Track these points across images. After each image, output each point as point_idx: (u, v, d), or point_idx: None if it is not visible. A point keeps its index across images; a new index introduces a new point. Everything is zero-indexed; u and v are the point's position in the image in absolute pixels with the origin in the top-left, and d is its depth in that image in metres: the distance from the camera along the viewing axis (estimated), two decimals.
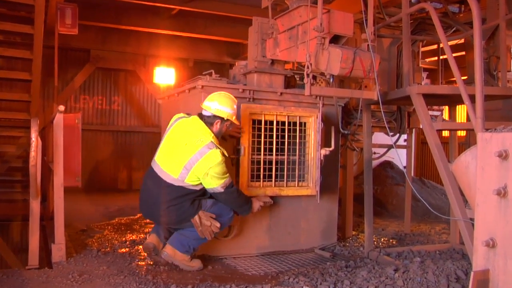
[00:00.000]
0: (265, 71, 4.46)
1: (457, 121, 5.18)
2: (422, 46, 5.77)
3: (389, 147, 5.24)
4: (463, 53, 5.70)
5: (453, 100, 4.35)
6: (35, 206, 3.96)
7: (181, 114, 3.88)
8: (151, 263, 3.92)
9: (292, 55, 4.00)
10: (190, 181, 3.60)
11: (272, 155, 4.34)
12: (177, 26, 8.88)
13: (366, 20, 3.69)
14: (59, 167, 3.96)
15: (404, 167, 5.29)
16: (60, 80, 8.90)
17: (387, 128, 4.14)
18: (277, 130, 4.35)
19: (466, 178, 2.83)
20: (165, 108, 5.47)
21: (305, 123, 4.49)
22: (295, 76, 4.84)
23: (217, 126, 3.74)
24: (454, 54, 3.35)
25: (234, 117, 3.79)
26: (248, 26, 4.59)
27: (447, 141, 4.90)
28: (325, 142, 4.19)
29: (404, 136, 5.31)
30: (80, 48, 9.34)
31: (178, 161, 3.59)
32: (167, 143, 3.76)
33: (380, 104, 3.78)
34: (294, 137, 4.43)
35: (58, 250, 3.94)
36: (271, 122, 4.32)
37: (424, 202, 3.78)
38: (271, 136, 4.32)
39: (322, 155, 4.02)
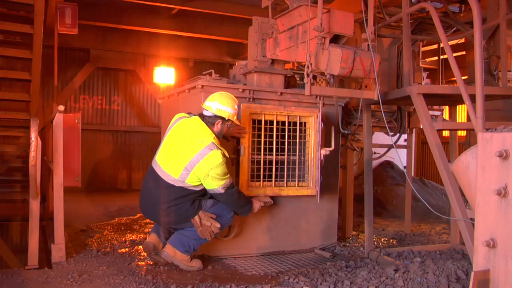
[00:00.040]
0: (265, 71, 4.45)
1: (457, 121, 5.17)
2: (423, 46, 5.77)
3: (390, 147, 5.24)
4: (464, 52, 5.71)
5: (453, 100, 4.34)
6: (34, 206, 3.95)
7: (182, 114, 3.87)
8: (151, 263, 3.92)
9: (292, 55, 4.00)
10: (190, 182, 3.59)
11: (272, 155, 4.33)
12: (177, 25, 8.87)
13: (366, 19, 3.68)
14: (59, 167, 3.95)
15: (405, 167, 5.28)
16: (60, 80, 8.92)
17: (388, 128, 4.13)
18: (277, 130, 4.34)
19: (467, 178, 2.83)
20: (165, 108, 5.46)
21: (305, 123, 4.48)
22: (295, 76, 4.84)
23: (218, 126, 3.73)
24: (454, 54, 3.35)
25: (235, 117, 3.78)
26: (248, 25, 4.58)
27: (447, 141, 4.90)
28: (325, 142, 4.19)
29: (405, 136, 5.31)
30: (80, 47, 9.34)
31: (179, 162, 3.59)
32: (168, 144, 3.75)
33: (381, 104, 3.77)
34: (294, 137, 4.43)
35: (58, 250, 3.93)
36: (271, 122, 4.31)
37: (425, 202, 3.77)
38: (271, 136, 4.31)
39: (322, 155, 4.02)
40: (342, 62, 3.43)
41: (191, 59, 10.29)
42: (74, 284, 3.34)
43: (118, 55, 9.77)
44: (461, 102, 3.62)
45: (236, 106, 3.81)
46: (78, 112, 7.65)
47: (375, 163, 5.39)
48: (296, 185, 4.44)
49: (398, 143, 5.20)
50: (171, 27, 8.88)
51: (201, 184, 3.62)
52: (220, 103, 3.72)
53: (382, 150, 5.44)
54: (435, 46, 6.45)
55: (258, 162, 4.28)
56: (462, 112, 9.50)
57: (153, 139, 9.90)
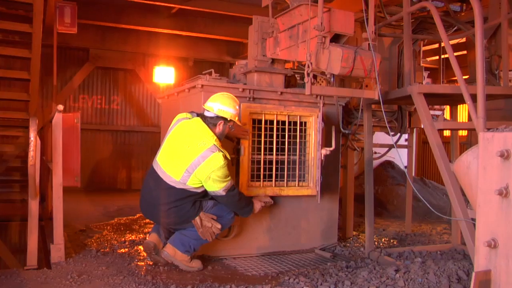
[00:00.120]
0: (265, 70, 4.44)
1: (458, 121, 5.17)
2: (423, 45, 5.75)
3: (390, 146, 5.23)
4: (465, 52, 5.69)
5: (454, 100, 4.33)
6: (33, 206, 3.94)
7: (184, 115, 3.84)
8: (151, 263, 3.91)
9: (293, 54, 3.98)
10: (192, 184, 3.58)
11: (272, 154, 4.32)
12: (177, 25, 8.86)
13: (367, 19, 3.67)
14: (58, 167, 3.94)
15: (405, 167, 5.27)
16: (59, 79, 8.90)
17: (388, 128, 4.12)
18: (278, 129, 4.33)
19: (468, 178, 2.81)
20: (165, 107, 5.45)
21: (305, 123, 4.47)
22: (296, 75, 4.82)
23: (220, 127, 3.71)
24: (455, 53, 3.34)
25: (237, 118, 3.77)
26: (248, 25, 4.57)
27: (448, 141, 4.89)
28: (326, 142, 4.17)
29: (405, 136, 5.30)
30: (79, 47, 9.33)
31: (180, 164, 3.57)
32: (169, 145, 3.74)
33: (381, 103, 3.76)
34: (295, 136, 4.41)
35: (57, 250, 3.92)
36: (272, 122, 4.30)
37: (425, 202, 3.76)
38: (271, 136, 4.30)
39: (322, 155, 4.01)
40: (343, 61, 3.41)
41: (191, 59, 10.28)
42: (73, 285, 3.33)
43: (118, 54, 9.76)
44: (462, 101, 3.61)
45: (237, 107, 3.79)
46: (77, 112, 7.66)
47: (375, 163, 5.38)
48: (297, 185, 4.43)
49: (399, 142, 5.19)
50: (171, 26, 8.87)
51: (202, 185, 3.61)
52: (222, 104, 3.70)
53: (383, 150, 5.43)
54: (436, 46, 6.45)
55: (258, 162, 4.27)
56: (463, 111, 9.49)
57: (153, 139, 9.89)
